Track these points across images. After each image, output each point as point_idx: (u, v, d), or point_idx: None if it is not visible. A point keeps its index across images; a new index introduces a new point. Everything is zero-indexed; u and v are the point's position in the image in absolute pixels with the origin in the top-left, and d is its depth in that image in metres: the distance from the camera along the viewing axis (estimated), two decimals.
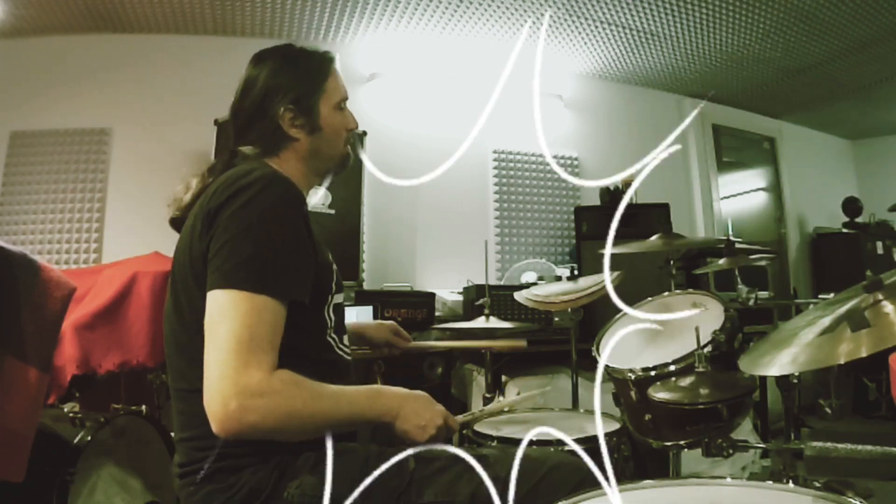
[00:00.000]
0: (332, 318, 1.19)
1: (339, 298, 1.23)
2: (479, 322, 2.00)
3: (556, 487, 1.06)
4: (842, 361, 0.82)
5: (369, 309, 2.95)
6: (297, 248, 1.06)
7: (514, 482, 0.95)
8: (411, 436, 1.09)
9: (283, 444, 1.03)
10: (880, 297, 0.89)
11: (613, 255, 2.01)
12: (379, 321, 1.70)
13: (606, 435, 1.49)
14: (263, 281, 0.98)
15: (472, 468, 1.07)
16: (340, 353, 1.21)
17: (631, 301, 1.90)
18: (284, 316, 1.00)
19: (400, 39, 3.73)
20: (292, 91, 1.21)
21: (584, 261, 3.18)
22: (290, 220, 1.06)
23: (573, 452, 1.29)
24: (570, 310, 1.99)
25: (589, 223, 3.29)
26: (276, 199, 1.05)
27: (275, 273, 1.00)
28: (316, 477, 1.02)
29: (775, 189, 5.24)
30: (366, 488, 1.02)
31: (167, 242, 1.19)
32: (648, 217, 3.23)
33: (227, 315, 0.95)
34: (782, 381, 1.55)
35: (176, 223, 1.21)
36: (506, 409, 1.85)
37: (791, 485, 0.90)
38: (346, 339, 1.26)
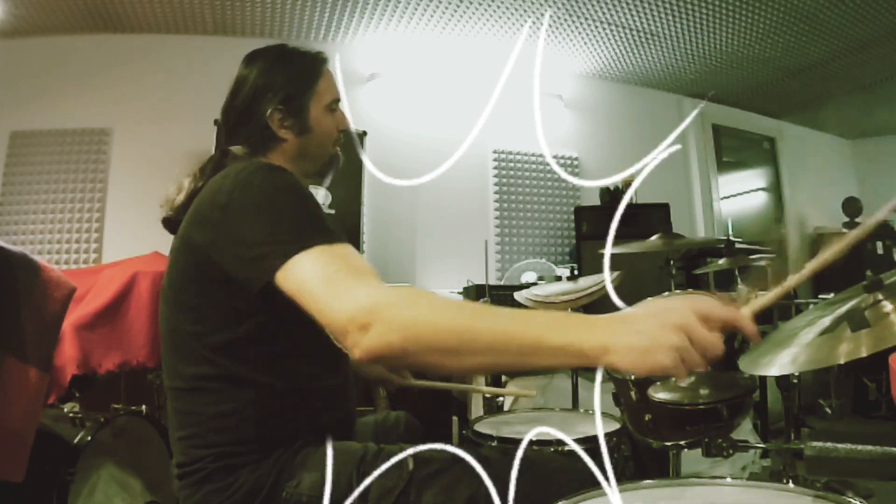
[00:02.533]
0: None
1: None
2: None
3: (556, 491, 1.06)
4: (842, 361, 0.82)
5: None
6: (319, 211, 1.03)
7: (513, 484, 0.93)
8: (660, 371, 0.71)
9: (281, 441, 1.03)
10: (880, 297, 0.89)
11: (613, 255, 2.01)
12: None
13: (606, 435, 1.49)
14: (319, 236, 0.92)
15: (471, 470, 1.07)
16: (341, 346, 1.21)
17: (631, 301, 1.90)
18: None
19: (400, 39, 3.73)
20: (282, 91, 1.20)
21: (584, 261, 3.19)
22: (301, 195, 1.03)
23: (573, 455, 1.29)
24: (570, 310, 1.99)
25: (589, 223, 3.29)
26: (285, 180, 1.04)
27: (316, 228, 0.95)
28: (314, 475, 1.02)
29: (775, 189, 5.24)
30: (364, 487, 1.02)
31: (167, 242, 1.18)
32: (648, 217, 3.23)
33: (301, 279, 0.88)
34: (782, 381, 1.55)
35: (169, 223, 1.21)
36: (504, 409, 1.84)
37: (791, 485, 0.90)
38: None
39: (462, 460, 1.09)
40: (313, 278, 0.86)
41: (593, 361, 0.73)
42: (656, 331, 0.70)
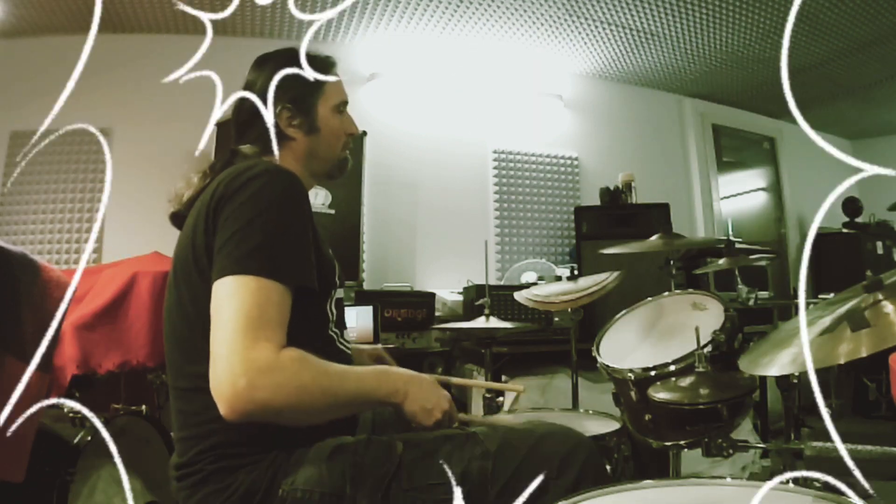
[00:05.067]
0: (334, 312, 1.20)
1: (339, 294, 1.24)
2: (480, 322, 2.00)
3: (547, 457, 1.05)
4: (842, 361, 0.82)
5: (369, 309, 2.95)
6: (303, 237, 1.06)
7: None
8: (419, 419, 1.08)
9: (276, 442, 1.03)
10: (880, 297, 0.89)
11: (614, 255, 2.01)
12: (361, 346, 1.52)
13: (606, 435, 1.49)
14: (272, 266, 0.98)
15: (460, 447, 1.07)
16: (341, 347, 1.22)
17: (631, 301, 1.90)
18: (290, 301, 1.00)
19: (400, 39, 3.73)
20: (291, 90, 1.23)
21: (584, 261, 3.18)
22: (295, 210, 1.07)
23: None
24: (570, 310, 1.99)
25: (589, 223, 3.29)
26: (283, 190, 1.06)
27: (283, 259, 1.00)
28: (308, 471, 1.02)
29: (775, 189, 5.24)
30: (356, 476, 1.02)
31: (167, 242, 1.19)
32: (648, 217, 3.23)
33: (235, 296, 0.95)
34: (782, 381, 1.55)
35: (176, 219, 1.22)
36: (504, 408, 1.84)
37: (791, 485, 0.90)
38: (346, 334, 1.27)
39: (451, 439, 1.10)
40: (234, 308, 0.94)
41: (398, 403, 1.07)
42: (436, 399, 1.10)
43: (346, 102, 1.32)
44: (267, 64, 1.26)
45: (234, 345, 0.91)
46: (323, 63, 1.30)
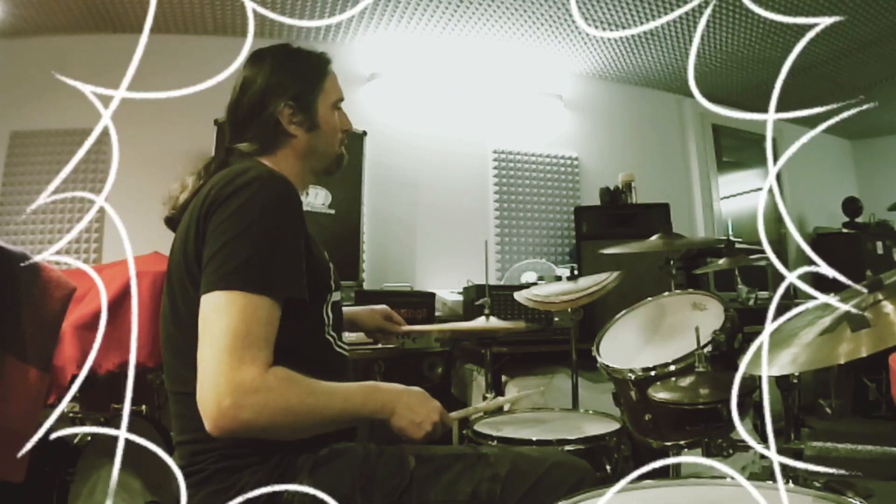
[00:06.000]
0: (331, 316, 1.19)
1: (336, 297, 1.23)
2: (480, 322, 2.00)
3: (555, 486, 1.06)
4: (842, 361, 0.82)
5: None
6: (293, 247, 1.06)
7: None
8: (407, 432, 1.10)
9: (282, 444, 1.03)
10: (880, 297, 0.89)
11: (614, 255, 2.01)
12: (371, 306, 1.64)
13: (606, 435, 1.49)
14: (260, 281, 0.98)
15: (472, 466, 1.08)
16: (339, 350, 1.22)
17: (630, 301, 1.90)
18: (279, 315, 1.00)
19: (400, 39, 3.73)
20: (292, 88, 1.23)
21: (584, 261, 3.18)
22: (286, 219, 1.06)
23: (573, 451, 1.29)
24: (570, 310, 1.99)
25: (589, 223, 3.29)
26: (273, 199, 1.05)
27: (271, 273, 1.00)
28: (315, 477, 1.02)
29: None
30: (367, 487, 1.02)
31: (167, 242, 1.19)
32: (648, 217, 3.23)
33: (222, 313, 0.95)
34: (782, 381, 1.55)
35: (171, 222, 1.22)
36: (503, 409, 1.85)
37: (791, 485, 0.90)
38: (343, 336, 1.27)
39: (463, 457, 1.10)
40: (221, 326, 0.94)
41: (386, 419, 1.09)
42: (425, 411, 1.12)
43: (342, 100, 1.33)
44: (264, 60, 1.25)
45: (220, 364, 0.92)
46: (320, 59, 1.30)
